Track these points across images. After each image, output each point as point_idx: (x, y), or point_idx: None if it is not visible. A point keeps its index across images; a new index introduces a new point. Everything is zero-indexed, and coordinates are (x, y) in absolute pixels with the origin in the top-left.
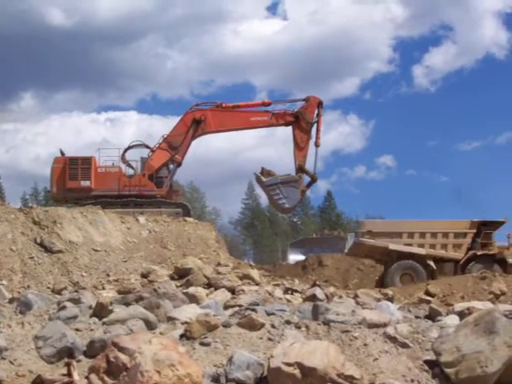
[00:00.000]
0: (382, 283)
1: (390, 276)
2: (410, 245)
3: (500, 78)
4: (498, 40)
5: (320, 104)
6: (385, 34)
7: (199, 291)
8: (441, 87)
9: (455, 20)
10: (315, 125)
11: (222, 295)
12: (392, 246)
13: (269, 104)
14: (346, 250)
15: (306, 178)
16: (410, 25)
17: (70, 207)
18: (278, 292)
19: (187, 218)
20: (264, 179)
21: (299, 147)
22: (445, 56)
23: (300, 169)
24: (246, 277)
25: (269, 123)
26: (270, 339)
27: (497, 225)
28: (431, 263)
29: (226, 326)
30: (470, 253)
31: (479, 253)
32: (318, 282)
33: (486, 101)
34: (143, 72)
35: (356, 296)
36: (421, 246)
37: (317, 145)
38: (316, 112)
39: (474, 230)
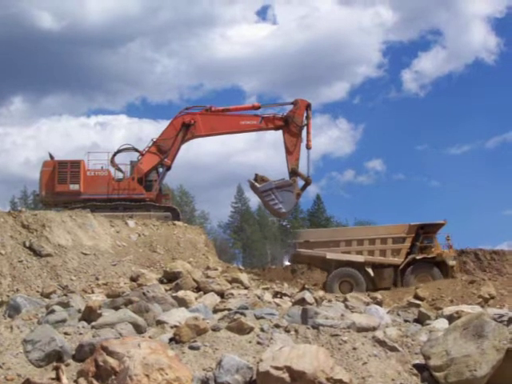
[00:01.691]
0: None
1: (329, 283)
2: (349, 253)
3: (489, 82)
4: (488, 45)
5: (308, 106)
6: (374, 38)
7: (188, 295)
8: (430, 92)
9: (444, 25)
10: (305, 128)
11: (211, 299)
12: (329, 256)
13: (258, 107)
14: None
15: (301, 182)
16: (399, 29)
17: (59, 211)
18: (267, 296)
19: (176, 222)
20: (258, 185)
21: (290, 151)
22: (434, 61)
23: (293, 172)
24: (235, 280)
25: (258, 127)
26: (259, 343)
27: (436, 227)
28: (369, 270)
29: (215, 329)
30: (409, 257)
31: (418, 257)
32: (307, 286)
33: (475, 105)
34: (132, 76)
35: (345, 300)
36: (359, 253)
37: (308, 147)
38: (305, 115)
39: (413, 234)
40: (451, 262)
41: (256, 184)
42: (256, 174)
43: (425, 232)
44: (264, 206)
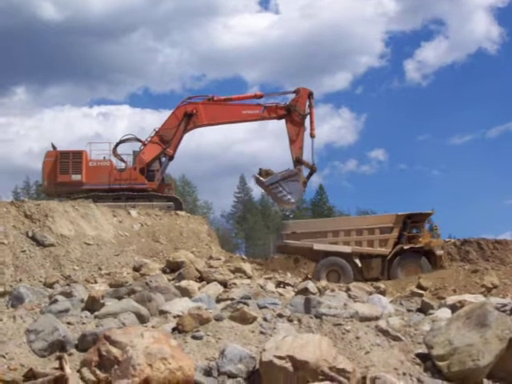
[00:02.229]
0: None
1: (317, 273)
2: (336, 243)
3: (492, 72)
4: (490, 35)
5: (311, 95)
6: (377, 28)
7: (191, 285)
8: (432, 82)
9: (447, 15)
10: (308, 116)
11: (214, 288)
12: (316, 246)
13: (261, 96)
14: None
15: (306, 170)
16: (401, 19)
17: (62, 201)
18: (270, 285)
19: (179, 212)
20: (264, 180)
21: (293, 140)
22: (437, 51)
23: (297, 161)
24: (237, 270)
25: (261, 116)
26: (262, 332)
27: (423, 217)
28: (357, 261)
29: (218, 319)
30: (397, 247)
31: (406, 247)
32: (309, 276)
33: (478, 95)
34: (134, 66)
35: (348, 289)
36: (346, 243)
37: (312, 136)
38: (307, 103)
39: (400, 224)
40: (439, 252)
41: (261, 178)
42: (260, 169)
43: (412, 222)
44: (273, 200)
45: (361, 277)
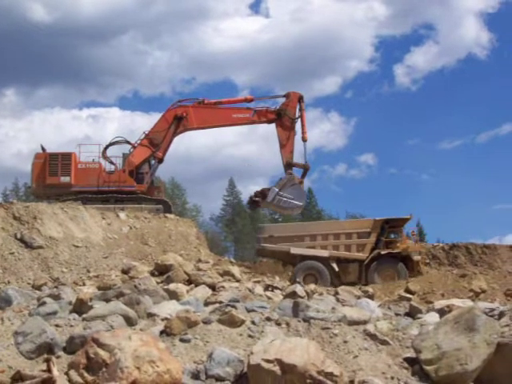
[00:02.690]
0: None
1: (294, 277)
2: (313, 247)
3: (481, 77)
4: (480, 40)
5: (301, 98)
6: (367, 32)
7: (179, 287)
8: (422, 87)
9: (437, 19)
10: (299, 120)
11: (203, 292)
12: (293, 250)
13: (251, 100)
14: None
15: (298, 172)
16: (391, 24)
17: (51, 203)
18: (259, 289)
19: (168, 215)
20: (266, 200)
21: (284, 144)
22: (426, 55)
23: (288, 165)
24: (226, 273)
25: (251, 120)
26: (250, 336)
27: (401, 222)
28: (334, 265)
29: (206, 322)
30: (374, 252)
31: (383, 252)
32: (298, 279)
33: (467, 100)
34: (124, 69)
35: (336, 293)
36: (324, 248)
37: (304, 139)
38: (298, 107)
39: (378, 229)
40: (416, 257)
41: (261, 201)
42: (254, 193)
43: (390, 227)
44: (281, 212)
45: (338, 281)
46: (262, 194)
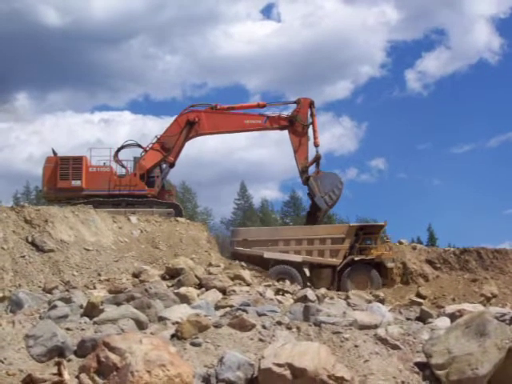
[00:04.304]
0: None
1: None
2: (287, 252)
3: (493, 83)
4: (491, 45)
5: (311, 104)
6: (378, 37)
7: (190, 291)
8: (433, 92)
9: (449, 25)
10: (311, 125)
11: (213, 295)
12: (267, 255)
13: (264, 106)
14: None
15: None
16: (403, 29)
17: (62, 206)
18: (269, 293)
19: (179, 218)
20: (323, 209)
21: (298, 150)
22: (438, 61)
23: (304, 171)
24: (237, 277)
25: (263, 127)
26: (260, 340)
27: (376, 229)
28: (306, 270)
29: (217, 326)
30: (348, 258)
31: (357, 258)
32: (308, 284)
33: (478, 105)
34: (135, 73)
35: (347, 297)
36: (297, 252)
37: (316, 145)
38: (309, 113)
39: (353, 235)
40: (390, 265)
41: (320, 213)
42: (308, 212)
43: (365, 233)
44: (338, 199)
45: (311, 285)
46: (314, 208)
